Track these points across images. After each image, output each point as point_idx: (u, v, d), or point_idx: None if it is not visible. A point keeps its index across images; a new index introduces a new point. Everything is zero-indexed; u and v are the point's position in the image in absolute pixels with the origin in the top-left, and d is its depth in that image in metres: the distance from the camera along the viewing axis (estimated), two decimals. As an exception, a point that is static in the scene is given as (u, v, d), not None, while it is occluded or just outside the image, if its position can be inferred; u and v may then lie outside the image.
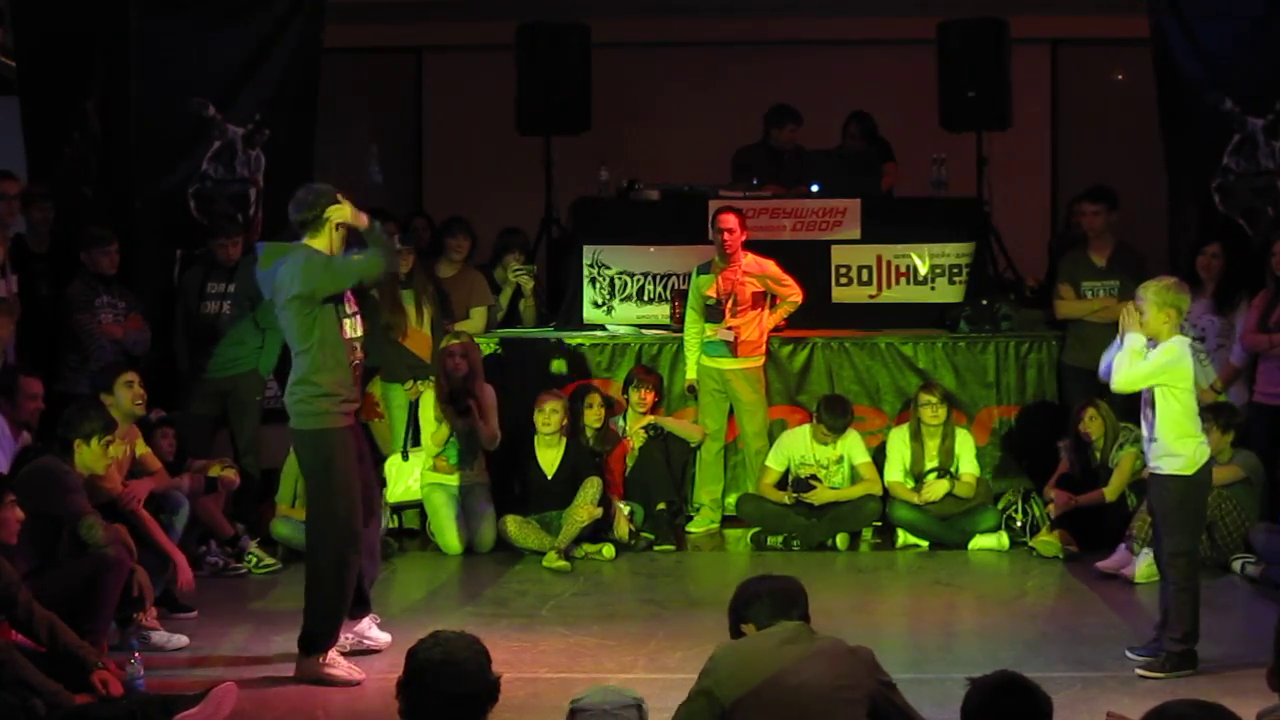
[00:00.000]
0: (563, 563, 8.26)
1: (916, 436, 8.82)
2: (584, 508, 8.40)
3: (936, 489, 8.69)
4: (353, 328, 6.27)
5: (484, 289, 9.69)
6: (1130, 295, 6.46)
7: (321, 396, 6.12)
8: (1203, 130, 9.29)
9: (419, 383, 8.91)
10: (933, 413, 8.74)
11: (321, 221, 6.16)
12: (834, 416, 8.77)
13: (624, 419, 9.21)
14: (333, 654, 6.25)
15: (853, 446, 8.87)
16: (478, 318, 9.54)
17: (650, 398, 9.15)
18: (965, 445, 8.84)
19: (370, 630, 6.62)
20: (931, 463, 8.79)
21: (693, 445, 9.25)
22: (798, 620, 4.41)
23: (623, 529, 8.60)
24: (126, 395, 7.45)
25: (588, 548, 8.50)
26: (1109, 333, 8.61)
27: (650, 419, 9.16)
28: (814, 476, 8.80)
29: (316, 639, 6.22)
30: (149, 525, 7.00)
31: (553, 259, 10.76)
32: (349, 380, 6.24)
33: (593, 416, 9.00)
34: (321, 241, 6.17)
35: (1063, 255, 9.70)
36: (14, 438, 7.22)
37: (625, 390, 9.21)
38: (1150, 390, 6.19)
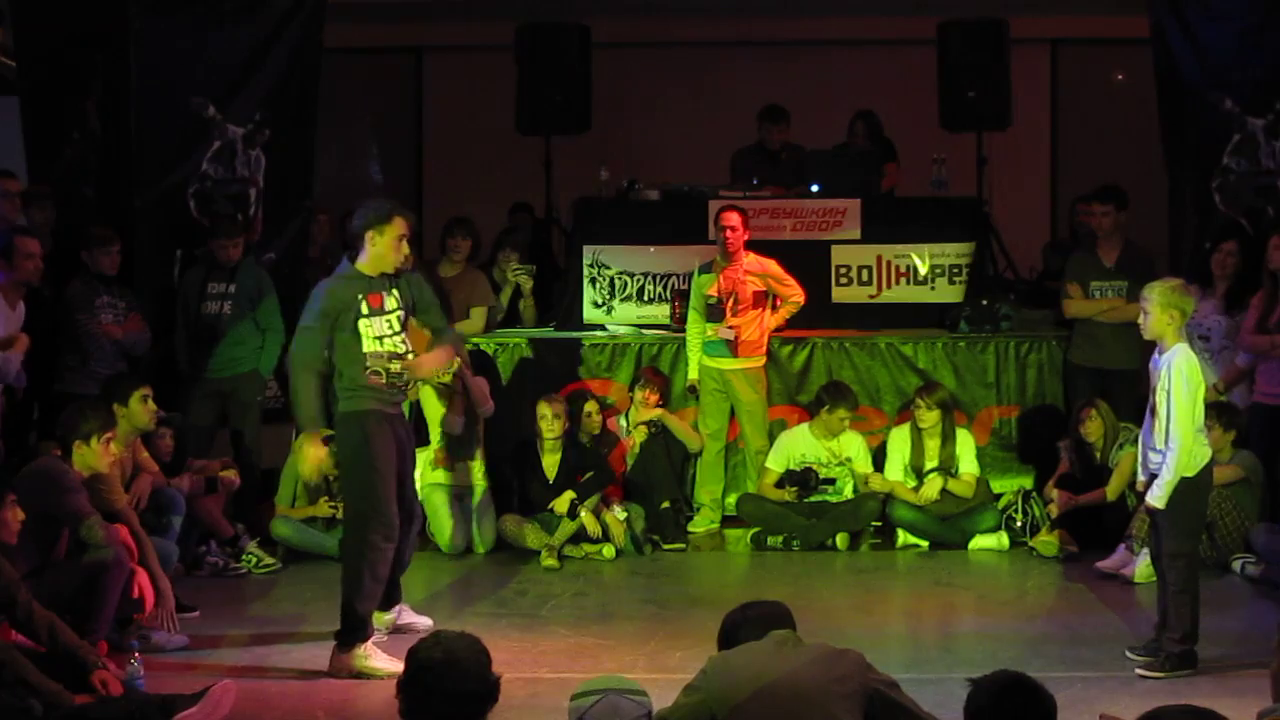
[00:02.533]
0: (552, 560, 8.28)
1: (916, 436, 8.82)
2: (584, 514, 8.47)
3: (934, 485, 8.68)
4: None
5: (485, 289, 9.67)
6: (1138, 296, 6.43)
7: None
8: (1203, 130, 9.27)
9: (418, 383, 8.90)
10: (920, 415, 8.73)
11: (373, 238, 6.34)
12: (837, 398, 8.77)
13: (626, 418, 9.21)
14: (370, 645, 6.27)
15: (851, 444, 8.87)
16: (477, 318, 9.53)
17: (654, 398, 9.13)
18: (965, 445, 8.83)
19: (405, 616, 6.82)
20: (932, 463, 8.78)
21: (691, 451, 9.24)
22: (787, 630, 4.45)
23: (619, 535, 8.57)
24: (141, 410, 7.43)
25: (587, 548, 8.50)
26: (1117, 333, 8.67)
27: (654, 413, 9.14)
28: (810, 470, 8.79)
29: (355, 630, 6.25)
30: (146, 550, 6.77)
31: (549, 257, 10.75)
32: None
33: (591, 425, 9.00)
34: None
35: (1057, 257, 9.65)
36: (11, 307, 7.24)
37: (631, 389, 9.21)
38: (1155, 398, 6.18)
